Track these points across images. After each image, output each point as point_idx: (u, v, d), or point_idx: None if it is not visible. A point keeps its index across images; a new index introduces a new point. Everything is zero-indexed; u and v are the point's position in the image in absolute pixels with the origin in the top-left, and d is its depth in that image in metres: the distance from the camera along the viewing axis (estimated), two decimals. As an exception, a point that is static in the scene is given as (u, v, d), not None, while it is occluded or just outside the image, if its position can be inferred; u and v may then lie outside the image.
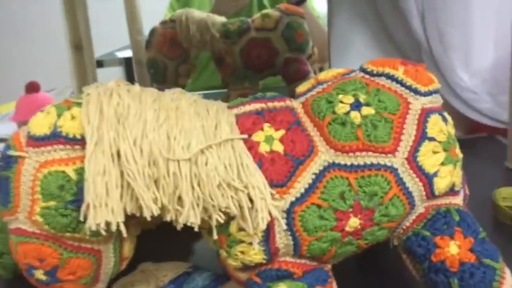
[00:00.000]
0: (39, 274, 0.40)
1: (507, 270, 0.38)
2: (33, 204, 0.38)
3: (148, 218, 0.36)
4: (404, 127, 0.38)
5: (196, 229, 0.38)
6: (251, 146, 0.38)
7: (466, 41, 0.86)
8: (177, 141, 0.37)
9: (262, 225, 0.37)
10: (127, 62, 1.64)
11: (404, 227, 0.40)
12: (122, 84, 0.39)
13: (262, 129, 0.39)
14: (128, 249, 0.44)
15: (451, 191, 0.40)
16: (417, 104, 0.39)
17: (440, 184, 0.38)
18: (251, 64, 0.99)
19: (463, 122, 0.85)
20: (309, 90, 0.42)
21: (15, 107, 1.16)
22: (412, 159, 0.37)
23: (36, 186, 0.37)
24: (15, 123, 1.14)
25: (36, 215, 0.38)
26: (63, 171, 0.37)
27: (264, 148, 0.38)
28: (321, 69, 1.06)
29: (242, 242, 0.39)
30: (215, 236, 0.39)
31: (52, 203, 0.37)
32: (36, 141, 0.38)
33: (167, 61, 1.08)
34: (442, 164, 0.38)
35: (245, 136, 0.39)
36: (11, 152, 0.39)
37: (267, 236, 0.38)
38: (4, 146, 0.40)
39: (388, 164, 0.37)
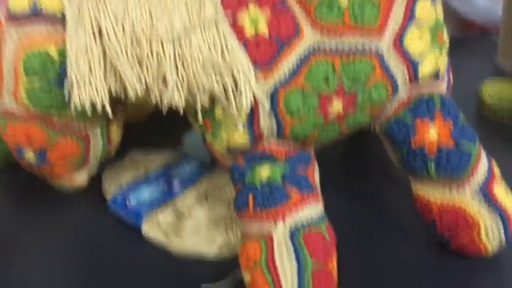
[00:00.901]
0: (30, 156, 0.41)
1: (483, 154, 0.39)
2: (17, 84, 0.38)
3: (133, 98, 0.36)
4: (392, 9, 0.37)
5: (181, 112, 0.38)
6: (236, 28, 0.38)
7: None
8: (160, 21, 0.36)
9: (246, 107, 0.37)
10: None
11: (386, 114, 0.41)
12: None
13: (247, 9, 0.38)
14: (115, 134, 0.45)
15: (435, 77, 0.40)
16: (407, -15, 0.38)
17: (425, 69, 0.38)
18: None
19: (457, 19, 0.83)
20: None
21: None
22: (398, 43, 0.37)
23: (19, 66, 0.37)
24: None
25: (21, 94, 0.38)
26: (46, 50, 0.37)
27: (248, 31, 0.38)
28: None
29: (227, 125, 0.40)
30: (200, 120, 0.39)
31: (36, 83, 0.37)
32: (16, 19, 0.37)
33: None
34: (428, 48, 0.38)
35: (229, 18, 0.38)
36: None
37: (251, 119, 0.39)
38: None
39: (374, 48, 0.37)
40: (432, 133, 0.38)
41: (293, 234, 0.37)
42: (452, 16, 0.79)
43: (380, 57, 0.37)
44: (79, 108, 0.36)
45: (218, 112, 0.39)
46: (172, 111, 0.39)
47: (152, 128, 0.61)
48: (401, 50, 0.37)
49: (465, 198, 0.37)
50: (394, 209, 0.49)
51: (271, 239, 0.37)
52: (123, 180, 0.52)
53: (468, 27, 0.84)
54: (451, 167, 0.38)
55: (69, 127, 0.40)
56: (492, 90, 0.60)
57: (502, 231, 0.37)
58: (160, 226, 0.47)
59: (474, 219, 0.37)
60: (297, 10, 0.39)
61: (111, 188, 0.51)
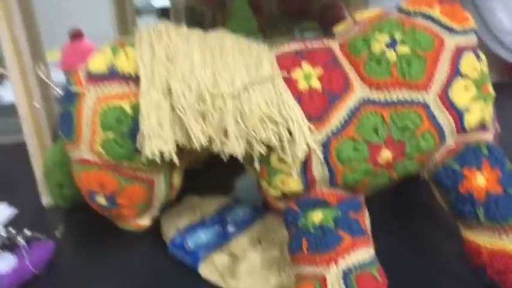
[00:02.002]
0: (101, 199, 0.45)
1: None
2: (94, 135, 0.42)
3: (198, 149, 0.40)
4: (437, 64, 0.39)
5: (240, 160, 0.41)
6: (291, 84, 0.41)
7: None
8: (222, 78, 0.40)
9: (301, 156, 0.40)
10: (164, 11, 1.66)
11: (434, 161, 0.42)
12: (170, 26, 0.42)
13: (300, 67, 0.42)
14: (177, 180, 0.49)
15: (482, 127, 0.42)
16: (451, 42, 0.40)
17: (471, 119, 0.40)
18: (287, 10, 0.99)
19: (500, 65, 0.84)
20: (346, 30, 0.44)
21: (61, 55, 1.20)
22: (444, 96, 0.39)
23: (96, 119, 0.41)
24: (63, 71, 1.17)
25: (97, 145, 0.42)
26: (120, 106, 0.41)
27: (302, 85, 0.41)
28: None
29: (282, 172, 0.42)
30: (257, 167, 0.42)
31: (111, 135, 0.41)
32: (95, 78, 0.42)
33: (204, 9, 1.10)
34: (473, 100, 0.40)
35: (285, 74, 0.41)
36: (74, 88, 0.43)
37: (304, 167, 0.42)
38: (65, 84, 0.44)
39: (421, 99, 0.39)
40: (480, 179, 0.40)
41: (346, 276, 0.39)
42: (494, 62, 0.80)
43: (427, 109, 0.39)
44: (149, 158, 0.39)
45: (274, 160, 0.42)
46: (228, 158, 0.42)
47: (207, 174, 0.64)
48: (447, 102, 0.39)
49: (516, 243, 0.38)
50: (443, 252, 0.49)
51: (325, 281, 0.39)
52: (180, 223, 0.55)
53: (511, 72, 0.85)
54: (500, 213, 0.39)
55: (137, 174, 0.44)
56: None
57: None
58: (217, 268, 0.49)
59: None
60: (347, 66, 0.42)
61: (170, 231, 0.54)
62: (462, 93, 0.40)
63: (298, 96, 0.41)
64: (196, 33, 0.42)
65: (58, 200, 0.62)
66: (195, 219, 0.56)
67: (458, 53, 0.40)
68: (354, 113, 0.40)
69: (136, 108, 0.41)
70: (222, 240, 0.52)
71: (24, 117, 0.61)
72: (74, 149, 0.44)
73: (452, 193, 0.41)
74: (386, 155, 0.40)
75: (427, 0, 0.42)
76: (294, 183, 0.43)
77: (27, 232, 0.53)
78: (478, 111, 0.40)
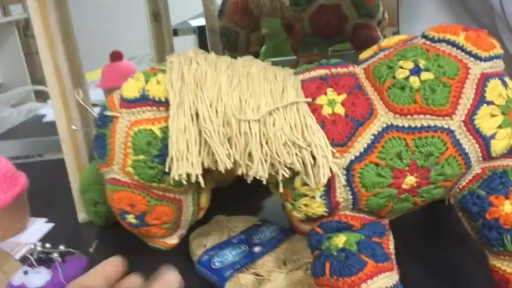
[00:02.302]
0: (131, 218, 0.47)
1: None
2: (126, 157, 0.44)
3: (223, 171, 0.41)
4: (462, 91, 0.39)
5: (264, 182, 0.42)
6: (315, 109, 0.42)
7: None
8: (247, 104, 0.41)
9: (324, 181, 0.40)
10: (200, 30, 1.71)
11: (460, 186, 0.42)
12: (200, 53, 0.44)
13: (325, 94, 0.42)
14: (204, 200, 0.50)
15: (509, 153, 0.41)
16: (477, 69, 0.40)
17: (497, 146, 0.40)
18: (320, 31, 1.01)
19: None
20: (371, 56, 0.45)
21: (101, 75, 1.27)
22: (469, 122, 0.39)
23: (128, 142, 0.43)
24: (102, 89, 1.25)
25: (128, 166, 0.44)
26: (151, 130, 0.43)
27: (326, 111, 0.42)
28: (395, 34, 1.05)
29: (305, 195, 0.43)
30: (281, 190, 0.43)
31: (141, 157, 0.43)
32: (128, 103, 0.44)
33: (239, 29, 1.13)
34: (500, 126, 0.39)
35: (309, 100, 0.42)
36: (108, 113, 0.45)
37: (328, 191, 0.42)
38: (101, 108, 0.46)
39: (445, 126, 0.39)
40: (507, 207, 0.39)
41: None
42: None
43: (452, 135, 0.39)
44: (177, 179, 0.41)
45: (298, 184, 0.43)
46: (254, 180, 0.43)
47: (235, 194, 0.65)
48: (472, 128, 0.39)
49: (545, 274, 0.37)
50: (471, 281, 0.48)
51: None
52: (208, 242, 0.56)
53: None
54: None
55: (166, 195, 0.46)
56: None
57: None
58: (242, 287, 0.50)
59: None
60: (371, 92, 0.42)
61: (198, 250, 0.55)
62: (488, 120, 0.39)
63: (322, 121, 0.41)
64: (224, 60, 0.43)
65: (93, 217, 0.65)
66: (222, 239, 0.57)
67: (484, 79, 0.40)
68: (377, 138, 0.41)
69: (166, 132, 0.42)
70: (248, 260, 0.52)
71: (63, 138, 0.64)
72: (106, 169, 0.46)
73: (479, 220, 0.40)
74: (410, 180, 0.40)
75: (452, 27, 0.42)
76: (318, 207, 0.43)
77: (62, 247, 0.55)
78: (505, 138, 0.40)
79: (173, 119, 0.41)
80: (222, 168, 0.41)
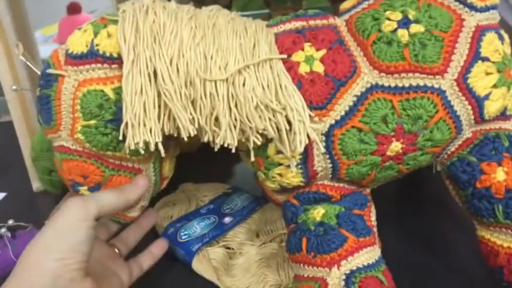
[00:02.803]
0: (84, 190, 0.41)
1: None
2: (74, 122, 0.38)
3: (186, 139, 0.36)
4: (456, 46, 0.35)
5: (233, 150, 0.37)
6: (290, 67, 0.37)
7: None
8: (214, 61, 0.36)
9: (300, 148, 0.36)
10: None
11: (449, 152, 0.39)
12: (158, 1, 0.38)
13: (302, 49, 0.37)
14: (167, 169, 0.45)
15: (502, 115, 0.38)
16: (472, 20, 0.36)
17: (491, 108, 0.36)
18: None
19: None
20: (354, 6, 0.40)
21: (58, 29, 1.20)
22: (462, 81, 0.35)
23: (77, 105, 0.38)
24: (59, 45, 1.17)
25: (77, 133, 0.38)
26: (102, 91, 0.37)
27: (303, 69, 0.37)
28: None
29: (280, 164, 0.39)
30: (252, 158, 0.39)
31: (92, 122, 0.38)
32: (74, 59, 0.38)
33: (206, -19, 1.05)
34: (495, 86, 0.36)
35: (284, 56, 0.37)
36: (51, 70, 0.39)
37: (305, 159, 0.38)
38: (44, 65, 0.40)
39: (436, 86, 0.35)
40: (500, 175, 0.36)
41: (348, 280, 0.36)
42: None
43: (443, 96, 0.35)
44: (133, 148, 0.36)
45: (271, 151, 0.39)
46: (222, 147, 0.38)
47: (203, 160, 0.60)
48: (465, 88, 0.35)
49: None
50: (456, 251, 0.46)
51: (326, 285, 0.36)
52: (175, 213, 0.52)
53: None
54: None
55: (123, 164, 0.41)
56: None
57: None
58: (211, 263, 0.46)
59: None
60: (353, 47, 0.37)
61: (163, 221, 0.51)
62: (482, 79, 0.35)
63: (299, 81, 0.37)
64: (186, 10, 0.37)
65: (48, 186, 0.60)
66: (189, 209, 0.53)
67: (479, 33, 0.35)
68: (360, 100, 0.36)
69: (120, 93, 0.37)
70: (217, 232, 0.49)
71: (10, 99, 0.58)
72: (53, 135, 0.41)
73: (468, 188, 0.37)
74: (396, 147, 0.36)
75: (445, -27, 0.37)
76: (293, 177, 0.39)
77: (11, 222, 0.50)
78: (500, 98, 0.36)
79: (127, 78, 0.35)
80: (184, 135, 0.36)
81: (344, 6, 0.41)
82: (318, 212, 0.38)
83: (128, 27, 0.36)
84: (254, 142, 0.37)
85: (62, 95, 0.38)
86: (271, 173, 0.40)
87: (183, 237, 0.48)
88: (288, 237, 0.40)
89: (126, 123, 0.35)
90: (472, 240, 0.40)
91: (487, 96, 0.36)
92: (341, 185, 0.40)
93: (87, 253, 0.36)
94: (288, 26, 0.39)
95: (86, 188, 0.41)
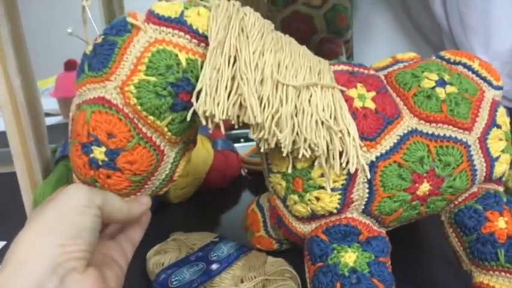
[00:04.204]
0: (99, 153, 0.36)
1: None
2: (133, 74, 0.35)
3: (247, 122, 0.36)
4: (479, 110, 0.42)
5: (284, 154, 0.37)
6: (346, 99, 0.40)
7: (486, 24, 0.85)
8: (288, 70, 0.37)
9: (352, 170, 0.38)
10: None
11: (456, 202, 0.44)
12: (248, 7, 0.39)
13: (355, 87, 0.41)
14: (180, 170, 0.41)
15: (499, 180, 0.45)
16: (489, 94, 0.44)
17: (499, 169, 0.43)
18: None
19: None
20: (388, 66, 0.46)
21: (55, 84, 1.21)
22: (482, 140, 0.42)
23: (144, 58, 0.35)
24: (55, 99, 1.21)
25: (131, 85, 0.35)
26: (177, 55, 0.35)
27: (357, 103, 0.40)
28: (346, 43, 1.07)
29: (321, 187, 0.40)
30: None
31: (153, 79, 0.35)
32: (159, 19, 0.36)
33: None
34: (503, 151, 0.43)
35: (344, 89, 0.40)
36: (131, 19, 0.36)
37: (346, 185, 0.40)
38: (119, 18, 0.37)
39: (464, 139, 0.41)
40: (502, 222, 0.41)
41: None
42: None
43: (468, 149, 0.41)
44: (200, 113, 0.34)
45: (315, 174, 0.40)
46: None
47: (192, 211, 0.67)
48: (484, 147, 0.42)
49: (534, 289, 0.39)
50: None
51: None
52: (166, 261, 0.52)
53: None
54: None
55: (153, 138, 0.37)
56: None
57: None
58: None
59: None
60: (394, 96, 0.43)
61: (155, 268, 0.51)
62: (496, 142, 0.42)
63: (353, 113, 0.40)
64: (268, 22, 0.39)
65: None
66: (180, 256, 0.53)
67: (495, 105, 0.43)
68: (403, 139, 0.40)
69: (191, 65, 0.36)
70: (205, 278, 0.49)
71: (15, 153, 0.62)
72: (94, 86, 0.36)
73: (473, 233, 0.42)
74: (425, 187, 0.40)
75: (466, 53, 0.45)
76: (331, 201, 0.40)
77: None
78: (504, 162, 0.43)
79: (211, 53, 0.35)
80: (250, 120, 0.35)
81: (377, 65, 0.47)
82: (349, 257, 0.39)
83: (220, 13, 0.36)
84: (298, 158, 0.38)
85: (131, 46, 0.35)
86: (309, 196, 0.40)
87: (174, 283, 0.48)
88: (315, 275, 0.40)
89: (200, 90, 0.34)
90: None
91: (497, 158, 0.42)
92: (367, 222, 0.42)
93: (91, 243, 0.32)
94: (340, 67, 0.43)
95: (103, 149, 0.36)
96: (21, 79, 0.62)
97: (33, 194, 0.61)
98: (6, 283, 0.29)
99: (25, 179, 0.63)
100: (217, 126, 0.35)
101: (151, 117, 0.36)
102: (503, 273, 0.41)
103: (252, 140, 0.89)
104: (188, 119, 0.36)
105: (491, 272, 0.41)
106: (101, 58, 0.36)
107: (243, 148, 0.85)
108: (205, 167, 0.71)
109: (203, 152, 0.72)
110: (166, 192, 0.65)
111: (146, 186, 0.39)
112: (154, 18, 0.37)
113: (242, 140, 0.93)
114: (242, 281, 0.48)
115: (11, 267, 0.30)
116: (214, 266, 0.50)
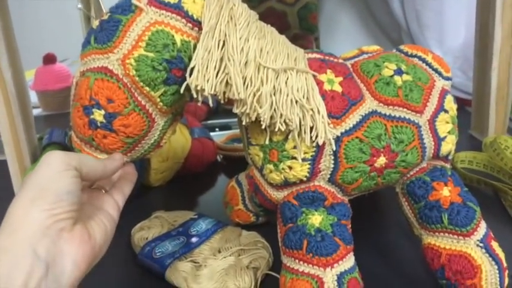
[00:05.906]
0: (98, 115, 0.42)
1: (482, 220, 0.48)
2: (134, 49, 0.41)
3: (232, 97, 0.42)
4: (430, 96, 0.49)
5: (263, 126, 0.44)
6: (317, 83, 0.46)
7: (440, 22, 0.93)
8: (269, 55, 0.43)
9: (320, 142, 0.44)
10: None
11: (409, 175, 0.51)
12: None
13: (325, 73, 0.48)
14: (167, 136, 0.48)
15: (446, 158, 0.52)
16: (440, 83, 0.51)
17: (445, 148, 0.50)
18: None
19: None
20: (355, 56, 0.52)
21: (34, 77, 1.23)
22: (432, 122, 0.48)
23: (145, 35, 0.41)
24: (35, 92, 1.24)
25: (131, 59, 0.41)
26: (173, 36, 0.42)
27: (326, 87, 0.47)
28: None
29: (293, 158, 0.46)
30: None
31: (151, 54, 0.41)
32: (159, 3, 0.42)
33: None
34: (449, 132, 0.50)
35: (316, 73, 0.47)
36: (135, 1, 0.42)
37: (315, 156, 0.46)
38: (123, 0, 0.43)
39: (416, 120, 0.48)
40: (446, 191, 0.48)
41: (339, 279, 0.44)
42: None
43: (419, 129, 0.48)
44: (193, 88, 0.41)
45: (289, 145, 0.46)
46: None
47: (173, 192, 0.75)
48: (433, 128, 0.49)
49: (470, 246, 0.46)
50: (405, 260, 0.56)
51: (322, 283, 0.44)
52: (150, 235, 0.58)
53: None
54: (460, 219, 0.47)
55: (147, 106, 0.43)
56: (463, 157, 0.72)
57: (498, 277, 0.46)
58: (181, 273, 0.52)
59: (478, 264, 0.45)
60: (359, 82, 0.49)
61: (140, 242, 0.58)
62: (444, 125, 0.49)
63: (323, 95, 0.46)
64: (253, 13, 0.45)
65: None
66: (162, 232, 0.59)
67: (444, 93, 0.50)
68: (364, 119, 0.47)
69: (185, 46, 0.42)
70: (186, 249, 0.55)
71: (6, 141, 0.67)
72: (98, 56, 0.42)
73: (422, 201, 0.49)
74: (381, 160, 0.47)
75: (421, 48, 0.53)
76: (301, 170, 0.46)
77: None
78: (450, 143, 0.50)
79: (204, 37, 0.41)
80: (234, 95, 0.41)
81: (345, 55, 0.53)
82: (316, 219, 0.46)
83: (213, 2, 0.43)
84: (275, 132, 0.45)
85: (134, 24, 0.41)
86: (282, 165, 0.46)
87: (158, 254, 0.54)
88: (285, 234, 0.46)
89: (194, 67, 0.41)
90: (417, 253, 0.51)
91: (444, 138, 0.49)
92: (332, 190, 0.48)
93: (75, 202, 0.36)
94: (312, 56, 0.49)
95: (103, 112, 0.42)
96: (11, 72, 0.66)
97: (22, 177, 0.66)
98: (1, 249, 0.32)
99: (15, 165, 0.69)
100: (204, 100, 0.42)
101: (147, 88, 0.42)
102: (447, 234, 0.47)
103: (226, 129, 0.96)
104: (181, 91, 0.42)
105: (437, 234, 0.48)
106: (106, 33, 0.42)
107: (218, 136, 0.91)
108: (184, 152, 0.77)
109: (182, 138, 0.78)
110: (147, 176, 0.75)
111: (136, 148, 0.45)
112: (155, 2, 0.42)
113: (217, 129, 0.99)
114: (219, 251, 0.55)
115: (5, 235, 0.33)
116: (194, 239, 0.56)
